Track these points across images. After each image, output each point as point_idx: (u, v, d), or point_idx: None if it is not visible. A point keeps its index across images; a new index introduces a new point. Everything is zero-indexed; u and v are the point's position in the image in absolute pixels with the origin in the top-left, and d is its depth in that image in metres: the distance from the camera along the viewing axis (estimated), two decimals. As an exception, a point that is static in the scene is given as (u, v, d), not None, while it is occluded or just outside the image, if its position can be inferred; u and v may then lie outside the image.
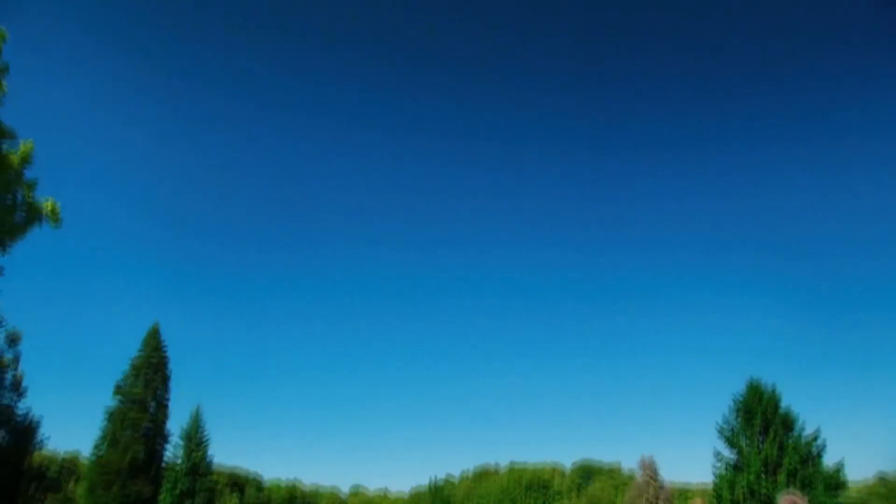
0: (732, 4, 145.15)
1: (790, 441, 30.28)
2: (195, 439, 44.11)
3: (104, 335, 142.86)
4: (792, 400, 33.28)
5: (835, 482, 29.42)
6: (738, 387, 33.15)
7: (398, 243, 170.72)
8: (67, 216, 14.62)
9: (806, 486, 27.99)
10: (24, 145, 13.45)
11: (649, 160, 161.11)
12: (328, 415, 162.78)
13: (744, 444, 31.45)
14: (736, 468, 31.53)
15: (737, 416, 32.27)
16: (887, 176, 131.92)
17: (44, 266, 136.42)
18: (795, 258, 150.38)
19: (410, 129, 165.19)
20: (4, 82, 13.54)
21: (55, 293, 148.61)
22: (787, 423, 30.93)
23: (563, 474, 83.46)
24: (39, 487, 34.13)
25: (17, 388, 32.17)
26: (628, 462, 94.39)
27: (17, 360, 32.21)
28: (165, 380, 43.39)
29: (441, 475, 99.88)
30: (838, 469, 29.75)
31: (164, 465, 42.75)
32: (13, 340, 32.13)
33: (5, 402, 31.53)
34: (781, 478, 28.90)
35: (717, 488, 32.13)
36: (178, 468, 42.85)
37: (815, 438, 30.34)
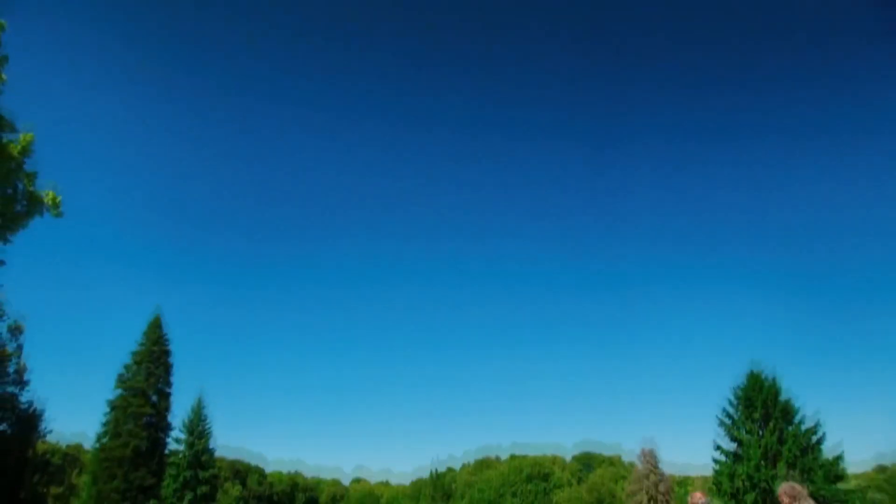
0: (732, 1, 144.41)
1: (790, 431, 30.37)
2: (197, 430, 44.33)
3: (106, 325, 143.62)
4: (792, 388, 33.33)
5: (834, 472, 29.53)
6: (738, 372, 33.16)
7: (399, 229, 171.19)
8: (68, 206, 14.62)
9: (805, 476, 28.12)
10: (24, 136, 13.42)
11: (650, 152, 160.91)
12: (331, 397, 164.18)
13: (744, 435, 31.56)
14: (736, 458, 31.66)
15: (737, 407, 32.36)
16: (887, 167, 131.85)
17: (45, 257, 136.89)
18: (796, 248, 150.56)
19: (409, 122, 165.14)
20: (4, 73, 13.49)
21: (57, 284, 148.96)
22: (788, 413, 31.02)
23: (563, 464, 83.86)
24: (43, 477, 34.30)
25: (20, 379, 32.30)
26: (629, 444, 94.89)
27: (19, 350, 32.35)
28: (167, 370, 43.57)
29: (443, 456, 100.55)
30: (838, 459, 29.85)
31: (166, 455, 43.01)
32: (16, 331, 32.24)
33: (8, 392, 31.69)
34: (781, 467, 29.01)
35: (717, 479, 32.27)
36: (180, 459, 43.10)
37: (815, 428, 30.42)
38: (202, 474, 43.05)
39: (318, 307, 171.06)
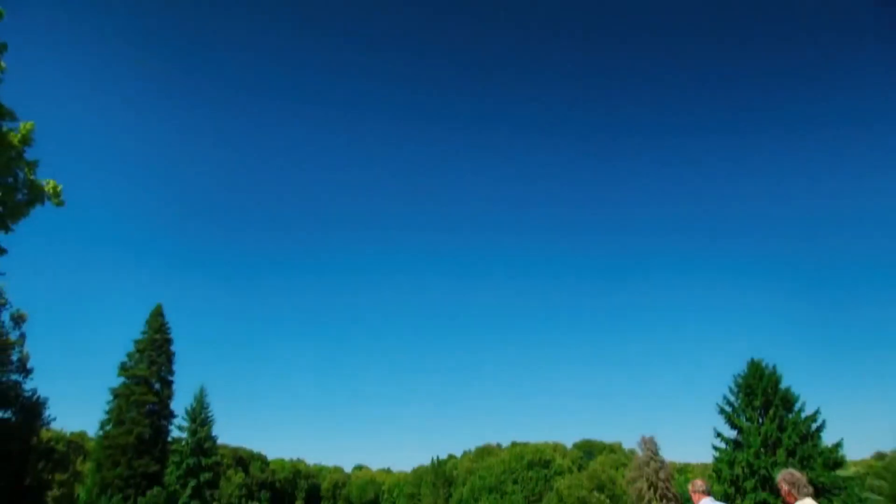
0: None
1: (790, 419, 30.48)
2: (199, 418, 44.58)
3: (108, 315, 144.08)
4: (792, 380, 33.49)
5: (833, 459, 29.66)
6: (738, 367, 33.35)
7: (401, 226, 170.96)
8: (71, 196, 14.62)
9: (805, 463, 28.26)
10: (24, 124, 13.37)
11: (651, 147, 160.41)
12: (331, 396, 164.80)
13: (744, 423, 31.68)
14: (736, 446, 31.80)
15: (737, 395, 32.46)
16: (887, 160, 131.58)
17: (47, 247, 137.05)
18: (796, 242, 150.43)
19: (409, 118, 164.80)
20: (3, 62, 13.43)
21: (59, 273, 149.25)
22: (787, 401, 31.11)
23: (564, 452, 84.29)
24: (48, 464, 34.60)
25: (24, 368, 32.50)
26: (629, 443, 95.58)
27: (22, 339, 32.51)
28: (169, 359, 43.80)
29: (443, 455, 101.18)
30: (837, 447, 29.97)
31: (169, 442, 43.31)
32: (18, 320, 32.39)
33: (12, 380, 31.88)
34: (780, 455, 29.15)
35: (717, 466, 32.42)
36: (183, 446, 43.39)
37: (815, 417, 30.52)
38: (205, 461, 43.34)
39: (320, 304, 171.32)
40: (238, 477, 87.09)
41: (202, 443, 43.73)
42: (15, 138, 13.20)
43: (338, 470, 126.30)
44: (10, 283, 41.79)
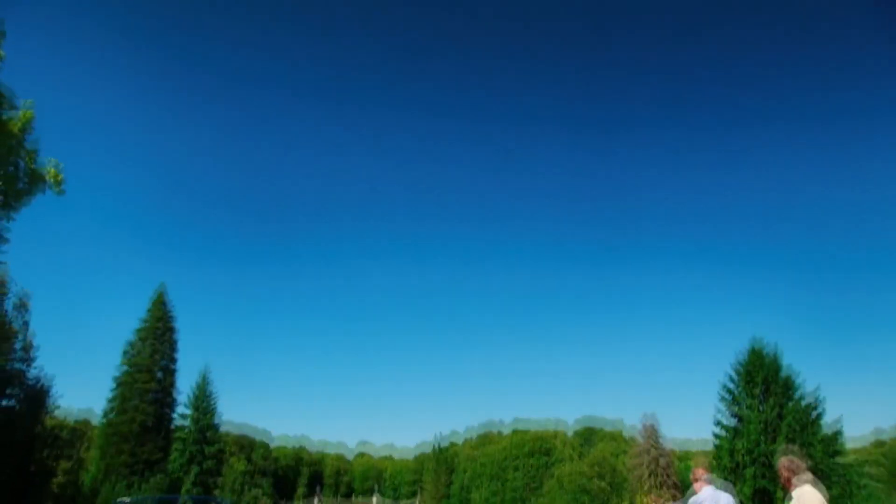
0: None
1: (790, 406, 30.57)
2: (202, 405, 44.82)
3: (112, 301, 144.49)
4: (792, 359, 33.44)
5: (833, 446, 29.80)
6: (738, 348, 33.30)
7: (402, 208, 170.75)
8: (71, 184, 14.62)
9: (805, 450, 28.36)
10: (23, 112, 13.35)
11: (655, 134, 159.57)
12: (335, 374, 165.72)
13: (744, 411, 31.78)
14: (735, 433, 31.92)
15: (737, 383, 32.53)
16: (887, 147, 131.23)
17: (49, 235, 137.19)
18: (796, 224, 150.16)
19: (408, 110, 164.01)
20: (2, 50, 13.37)
21: (61, 261, 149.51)
22: (788, 388, 31.18)
23: (565, 439, 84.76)
24: (52, 451, 34.82)
25: (27, 355, 32.61)
26: (630, 420, 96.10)
27: (25, 326, 32.59)
28: (172, 345, 43.98)
29: (446, 432, 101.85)
30: (837, 433, 30.10)
31: (172, 429, 43.59)
32: (21, 307, 32.46)
33: (16, 367, 32.00)
34: (780, 442, 29.24)
35: (717, 452, 32.58)
36: (186, 433, 43.67)
37: (815, 403, 30.62)
38: (208, 449, 43.64)
39: (322, 284, 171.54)
40: (241, 463, 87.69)
41: (205, 430, 44.00)
42: (15, 127, 13.18)
43: (340, 457, 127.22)
44: (13, 271, 41.82)
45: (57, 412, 35.81)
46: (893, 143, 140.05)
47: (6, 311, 31.02)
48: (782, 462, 5.67)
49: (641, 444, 55.45)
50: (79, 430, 53.70)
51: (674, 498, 46.25)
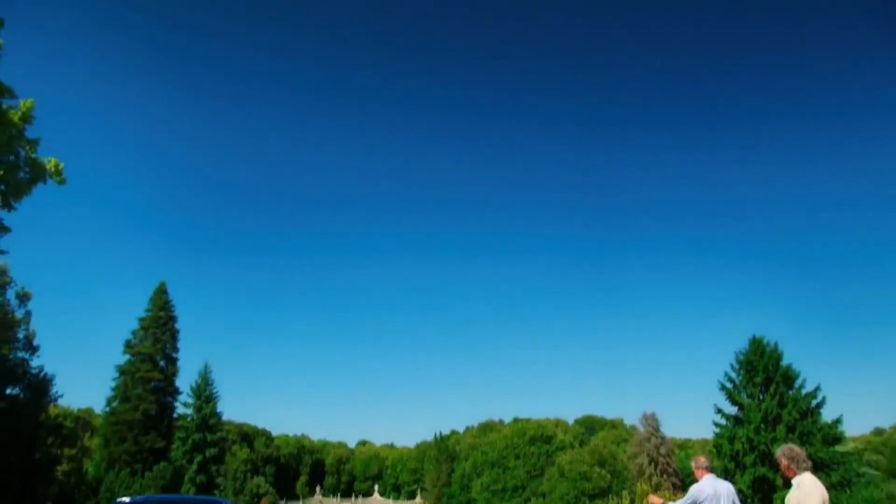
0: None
1: (790, 395, 30.69)
2: (204, 394, 45.05)
3: (112, 293, 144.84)
4: (793, 356, 33.63)
5: (832, 436, 29.92)
6: (739, 344, 33.53)
7: (402, 204, 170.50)
8: (73, 174, 14.59)
9: (804, 439, 28.52)
10: (24, 102, 13.29)
11: (655, 136, 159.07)
12: (335, 373, 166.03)
13: (745, 399, 31.91)
14: (736, 422, 32.07)
15: (738, 372, 32.64)
16: (888, 143, 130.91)
17: (50, 225, 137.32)
18: (796, 218, 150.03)
19: (408, 106, 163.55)
20: (1, 38, 13.30)
21: (63, 252, 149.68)
22: (788, 378, 31.28)
23: (566, 427, 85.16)
24: (56, 439, 35.08)
25: (30, 345, 32.78)
26: (630, 418, 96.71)
27: (28, 317, 32.74)
28: (174, 336, 44.11)
29: (446, 431, 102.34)
30: (836, 423, 30.22)
31: (175, 418, 43.85)
32: (23, 298, 32.58)
33: (19, 357, 32.17)
34: (780, 431, 29.40)
35: (717, 441, 32.74)
36: (188, 422, 43.90)
37: (815, 394, 30.72)
38: (210, 437, 43.92)
39: (321, 282, 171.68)
40: (243, 452, 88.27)
41: (207, 419, 44.27)
42: (15, 116, 13.13)
43: (342, 445, 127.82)
44: (14, 261, 41.96)
45: (60, 401, 36.03)
46: (894, 140, 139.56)
47: (8, 301, 31.15)
48: (782, 451, 5.70)
49: (642, 432, 55.73)
50: (82, 419, 54.05)
51: (674, 486, 46.51)
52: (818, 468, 26.56)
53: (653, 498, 9.34)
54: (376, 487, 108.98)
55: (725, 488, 7.42)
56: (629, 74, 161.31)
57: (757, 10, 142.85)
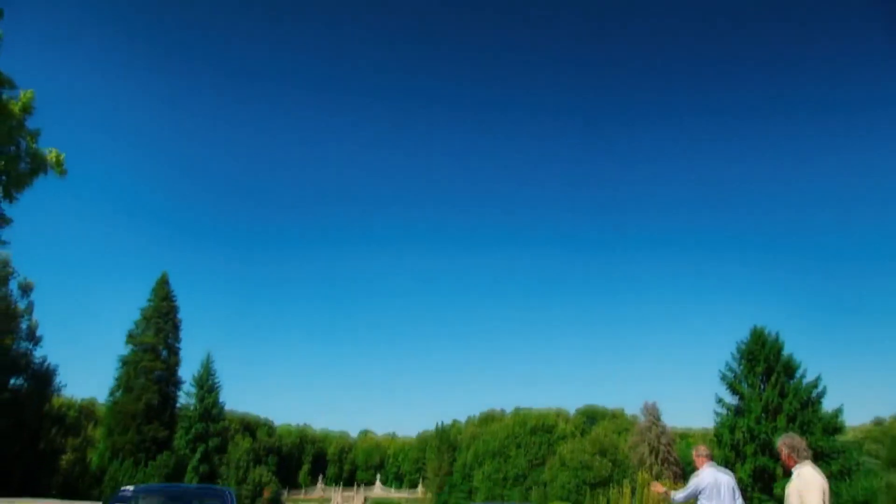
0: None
1: (791, 385, 30.77)
2: (207, 385, 45.23)
3: (115, 283, 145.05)
4: (793, 347, 33.70)
5: (833, 425, 30.03)
6: (740, 335, 33.61)
7: (403, 196, 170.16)
8: (74, 165, 14.61)
9: (805, 429, 28.62)
10: (24, 93, 13.28)
11: (656, 130, 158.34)
12: (337, 363, 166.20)
13: (745, 389, 32.01)
14: (737, 412, 32.18)
15: (739, 362, 32.73)
16: (888, 136, 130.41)
17: (52, 216, 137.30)
18: (797, 209, 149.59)
19: (409, 101, 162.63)
20: (0, 30, 13.27)
21: (65, 243, 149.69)
22: (789, 368, 31.37)
23: (567, 418, 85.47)
24: (61, 429, 35.33)
25: (33, 336, 32.95)
26: (631, 409, 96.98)
27: (30, 307, 32.89)
28: (176, 327, 44.25)
29: (448, 421, 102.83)
30: (837, 413, 30.32)
31: (177, 409, 44.08)
32: (26, 289, 32.70)
33: (22, 347, 32.35)
34: (781, 421, 29.51)
35: (718, 431, 32.88)
36: (191, 413, 44.10)
37: (816, 384, 30.81)
38: (213, 427, 44.14)
39: (322, 273, 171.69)
40: (246, 442, 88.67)
41: (210, 409, 44.48)
42: (15, 107, 13.14)
43: (344, 435, 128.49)
44: (16, 252, 42.02)
45: (63, 391, 36.26)
46: (893, 133, 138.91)
47: (11, 292, 31.26)
48: (783, 440, 5.71)
49: (643, 422, 55.99)
50: (86, 409, 54.38)
51: (674, 476, 46.75)
52: (818, 458, 26.68)
53: (656, 485, 9.40)
54: (378, 477, 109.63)
55: (726, 477, 7.47)
56: (631, 69, 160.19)
57: (757, 7, 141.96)
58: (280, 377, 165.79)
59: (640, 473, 31.25)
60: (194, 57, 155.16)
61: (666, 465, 51.42)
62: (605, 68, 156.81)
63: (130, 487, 8.54)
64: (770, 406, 30.53)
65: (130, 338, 42.83)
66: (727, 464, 28.81)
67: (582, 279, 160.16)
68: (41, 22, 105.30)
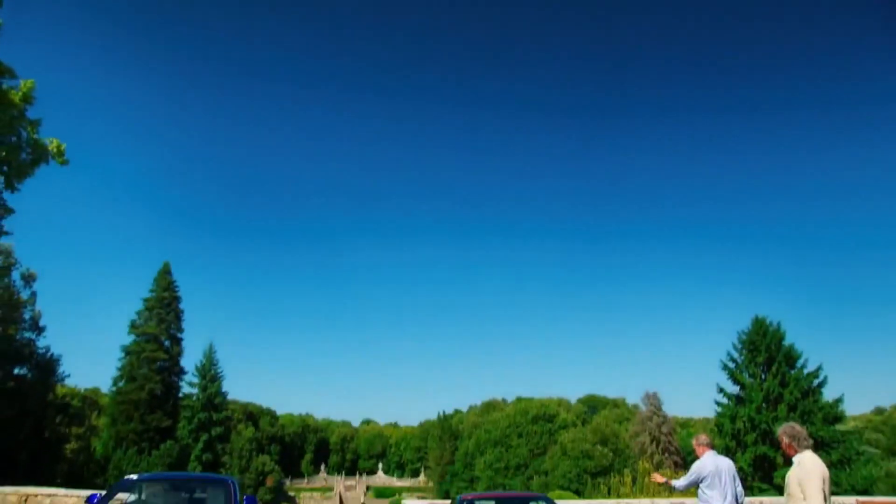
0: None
1: (792, 375, 30.80)
2: (209, 374, 45.38)
3: (117, 273, 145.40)
4: (795, 338, 33.69)
5: (833, 415, 30.09)
6: (741, 324, 33.61)
7: (403, 188, 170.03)
8: (76, 155, 14.57)
9: (805, 419, 28.69)
10: (24, 83, 13.23)
11: (657, 121, 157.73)
12: (339, 352, 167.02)
13: (746, 379, 32.05)
14: (738, 401, 32.24)
15: (741, 352, 32.75)
16: (886, 123, 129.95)
17: (54, 206, 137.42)
18: (797, 200, 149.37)
19: (412, 97, 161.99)
20: (0, 18, 13.19)
21: (66, 233, 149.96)
22: (790, 358, 31.38)
23: (568, 406, 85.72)
24: (64, 418, 35.53)
25: (36, 326, 33.05)
26: (633, 398, 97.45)
27: (33, 297, 32.96)
28: (178, 317, 44.38)
29: (449, 410, 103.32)
30: (837, 402, 30.37)
31: (180, 398, 44.29)
32: (29, 279, 32.76)
33: (25, 337, 32.46)
34: (782, 410, 29.57)
35: (719, 420, 32.96)
36: (194, 402, 44.31)
37: (817, 373, 30.84)
38: (216, 416, 44.35)
39: (326, 262, 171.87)
40: (248, 431, 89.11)
41: (212, 398, 44.68)
42: (16, 96, 13.09)
43: (346, 424, 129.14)
44: (19, 242, 42.10)
45: (66, 381, 36.42)
46: (893, 126, 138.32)
47: (14, 282, 31.31)
48: (784, 429, 5.73)
49: (644, 411, 56.20)
50: (89, 398, 54.68)
51: (675, 465, 46.97)
52: (819, 447, 26.76)
53: (656, 477, 9.45)
54: (380, 466, 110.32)
55: (727, 464, 7.51)
56: (631, 63, 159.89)
57: (756, 4, 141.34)
58: (282, 366, 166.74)
59: (640, 462, 31.41)
60: (195, 48, 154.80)
61: (667, 453, 51.65)
62: (606, 63, 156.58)
63: (134, 476, 8.60)
64: (771, 395, 30.58)
65: (133, 327, 42.98)
66: (728, 453, 28.90)
67: (583, 269, 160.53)
68: (42, 11, 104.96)
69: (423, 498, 63.29)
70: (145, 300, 43.89)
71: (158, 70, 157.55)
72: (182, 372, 44.39)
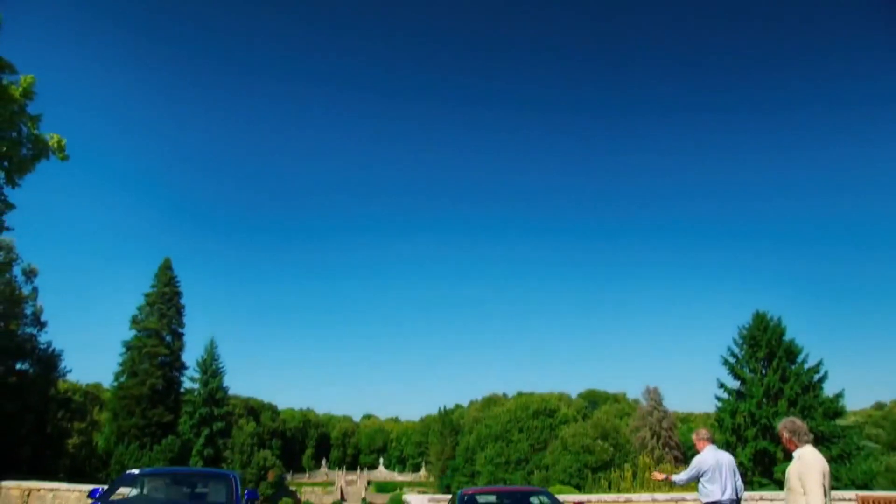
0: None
1: (792, 370, 30.82)
2: (211, 369, 45.45)
3: (118, 269, 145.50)
4: (795, 333, 33.62)
5: (833, 409, 30.11)
6: (741, 320, 33.70)
7: (404, 183, 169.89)
8: (77, 151, 14.57)
9: (806, 413, 28.72)
10: (24, 77, 13.20)
11: (659, 119, 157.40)
12: (340, 347, 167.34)
13: (747, 374, 32.07)
14: (738, 396, 32.28)
15: (741, 347, 32.76)
16: (886, 121, 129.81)
17: (55, 201, 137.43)
18: (799, 195, 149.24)
19: (413, 95, 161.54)
20: (0, 13, 13.16)
21: (68, 228, 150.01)
22: (791, 353, 31.38)
23: (569, 401, 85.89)
24: (66, 413, 35.61)
25: (38, 321, 33.08)
26: (633, 393, 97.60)
27: (35, 293, 32.98)
28: (179, 312, 44.43)
29: (450, 405, 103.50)
30: (837, 397, 30.38)
31: (181, 393, 44.39)
32: (30, 274, 32.79)
33: (27, 332, 32.50)
34: (782, 405, 29.60)
35: (720, 415, 33.00)
36: (195, 397, 44.40)
37: (817, 368, 30.84)
38: (217, 411, 44.43)
39: (328, 257, 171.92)
40: (250, 426, 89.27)
41: (214, 393, 44.76)
42: (16, 92, 13.07)
43: (347, 419, 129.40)
44: (20, 237, 42.14)
45: (68, 376, 36.48)
46: (893, 124, 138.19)
47: (15, 277, 31.34)
48: (784, 424, 5.74)
49: (644, 406, 56.28)
50: (91, 394, 54.83)
51: (675, 459, 47.05)
52: (819, 441, 26.80)
53: (656, 474, 9.49)
54: (381, 460, 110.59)
55: (727, 459, 7.55)
56: (632, 62, 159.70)
57: (756, 4, 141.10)
58: (283, 361, 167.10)
59: (641, 457, 31.47)
60: (196, 45, 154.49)
61: (667, 448, 51.75)
62: (607, 62, 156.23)
63: (136, 470, 8.64)
64: (771, 390, 30.61)
65: (134, 323, 43.04)
66: (728, 447, 28.95)
67: (584, 265, 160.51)
68: (42, 8, 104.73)
69: (424, 492, 63.40)
70: (146, 295, 43.94)
71: (159, 67, 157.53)
72: (183, 367, 44.48)
